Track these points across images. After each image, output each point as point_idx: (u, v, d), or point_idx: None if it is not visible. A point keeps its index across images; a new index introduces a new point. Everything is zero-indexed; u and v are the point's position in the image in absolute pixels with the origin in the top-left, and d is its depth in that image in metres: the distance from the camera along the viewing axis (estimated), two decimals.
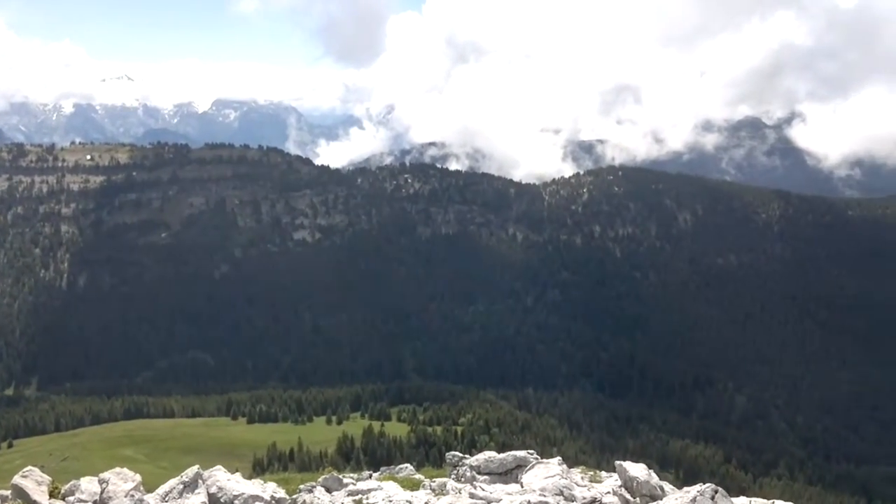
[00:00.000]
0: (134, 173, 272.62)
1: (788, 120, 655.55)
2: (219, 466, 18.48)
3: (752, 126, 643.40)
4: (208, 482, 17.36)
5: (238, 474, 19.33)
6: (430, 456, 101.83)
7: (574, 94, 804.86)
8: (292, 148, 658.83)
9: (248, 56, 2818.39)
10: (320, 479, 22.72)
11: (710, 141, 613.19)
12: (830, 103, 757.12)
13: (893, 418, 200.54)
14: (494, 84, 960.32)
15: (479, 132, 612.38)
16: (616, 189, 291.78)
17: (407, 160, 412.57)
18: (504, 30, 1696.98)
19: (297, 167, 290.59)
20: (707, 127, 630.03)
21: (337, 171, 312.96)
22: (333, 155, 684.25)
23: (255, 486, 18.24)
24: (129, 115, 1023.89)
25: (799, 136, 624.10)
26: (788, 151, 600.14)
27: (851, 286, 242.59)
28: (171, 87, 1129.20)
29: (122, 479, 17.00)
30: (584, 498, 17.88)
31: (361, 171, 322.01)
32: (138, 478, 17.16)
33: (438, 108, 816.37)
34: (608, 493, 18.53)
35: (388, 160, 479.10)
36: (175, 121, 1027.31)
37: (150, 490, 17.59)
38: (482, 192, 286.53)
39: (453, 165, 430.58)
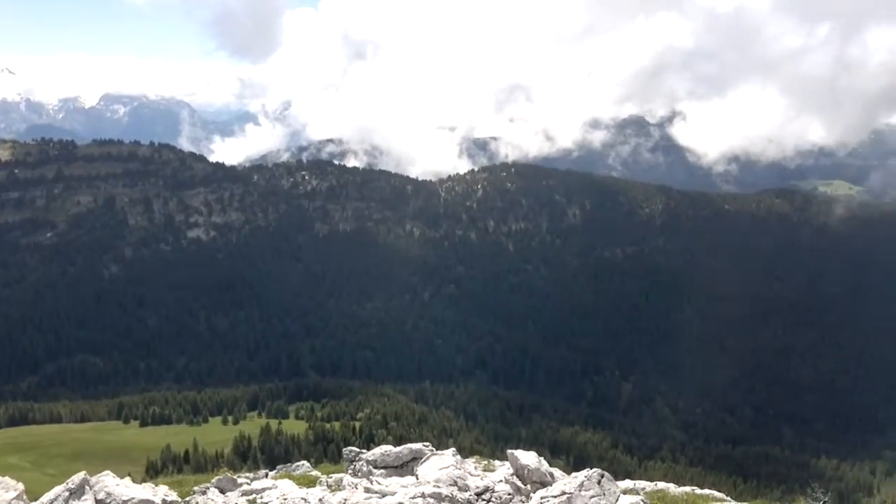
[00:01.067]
0: (16, 171, 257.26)
1: (670, 118, 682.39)
2: (107, 472, 17.81)
3: (637, 124, 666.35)
4: (96, 488, 16.74)
5: (128, 479, 18.74)
6: (328, 452, 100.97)
7: (469, 92, 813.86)
8: (185, 144, 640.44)
9: (139, 50, 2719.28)
10: (214, 480, 22.30)
11: (598, 138, 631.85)
12: (709, 102, 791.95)
13: (766, 401, 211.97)
14: (391, 81, 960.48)
15: (376, 129, 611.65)
16: (509, 185, 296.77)
17: (304, 157, 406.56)
18: (400, 27, 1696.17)
19: (190, 164, 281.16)
20: (595, 125, 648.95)
21: (232, 168, 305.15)
22: (228, 152, 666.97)
23: (146, 490, 17.72)
24: (10, 110, 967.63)
25: (680, 133, 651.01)
26: (671, 149, 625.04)
27: (728, 276, 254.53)
28: (57, 82, 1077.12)
29: (3, 489, 16.18)
30: (478, 487, 18.18)
31: (258, 168, 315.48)
32: (21, 486, 16.36)
33: (335, 105, 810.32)
34: (500, 481, 18.90)
35: (284, 157, 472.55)
36: (60, 116, 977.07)
37: (34, 498, 16.85)
38: (380, 188, 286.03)
39: (351, 162, 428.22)
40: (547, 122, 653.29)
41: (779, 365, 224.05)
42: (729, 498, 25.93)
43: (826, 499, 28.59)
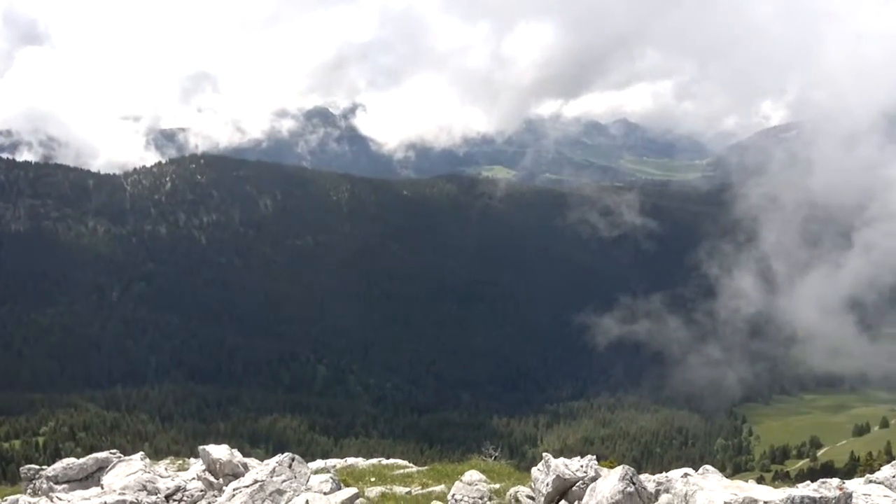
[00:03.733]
0: None
1: (353, 109, 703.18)
2: None
3: (322, 115, 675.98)
4: None
5: None
6: (7, 474, 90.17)
7: (153, 80, 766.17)
8: None
9: None
10: None
11: (286, 129, 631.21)
12: (388, 93, 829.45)
13: (446, 370, 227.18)
14: (67, 68, 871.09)
15: (52, 119, 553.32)
16: (199, 177, 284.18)
17: None
18: (75, 9, 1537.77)
19: None
20: (282, 115, 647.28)
21: None
22: None
23: None
24: None
25: (362, 124, 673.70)
26: (355, 138, 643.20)
27: (408, 258, 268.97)
28: None
29: None
30: (168, 488, 17.98)
31: None
32: None
33: (1, 93, 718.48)
34: (192, 479, 18.84)
35: None
36: None
37: None
38: (57, 184, 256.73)
39: (24, 155, 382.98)
40: (236, 112, 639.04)
41: (456, 336, 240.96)
42: (412, 464, 27.93)
43: (497, 453, 31.97)
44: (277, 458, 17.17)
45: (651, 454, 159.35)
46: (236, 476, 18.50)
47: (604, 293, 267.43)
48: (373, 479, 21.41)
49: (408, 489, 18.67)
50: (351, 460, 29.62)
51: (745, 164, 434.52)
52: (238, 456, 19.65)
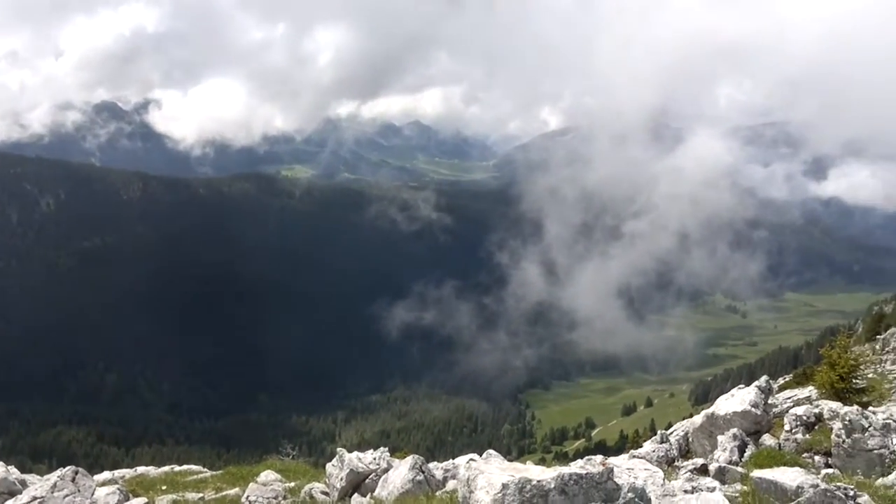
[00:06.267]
0: None
1: (146, 105, 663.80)
2: None
3: (112, 110, 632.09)
4: None
5: None
6: None
7: None
8: None
9: None
10: None
11: (72, 123, 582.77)
12: (184, 88, 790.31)
13: (242, 373, 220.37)
14: None
15: None
16: None
17: None
18: None
19: None
20: (66, 108, 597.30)
21: None
22: None
23: None
24: None
25: (157, 119, 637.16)
26: (149, 135, 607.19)
27: (205, 259, 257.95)
28: None
29: None
30: None
31: None
32: None
33: None
34: None
35: None
36: None
37: None
38: None
39: None
40: (14, 104, 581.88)
41: (253, 337, 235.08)
42: (207, 470, 26.76)
43: (295, 452, 31.42)
44: (59, 472, 15.84)
45: (443, 443, 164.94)
46: (13, 494, 16.92)
47: (403, 287, 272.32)
48: (164, 488, 20.24)
49: (201, 494, 17.88)
50: (142, 470, 27.84)
51: (529, 165, 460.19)
52: (15, 472, 17.93)
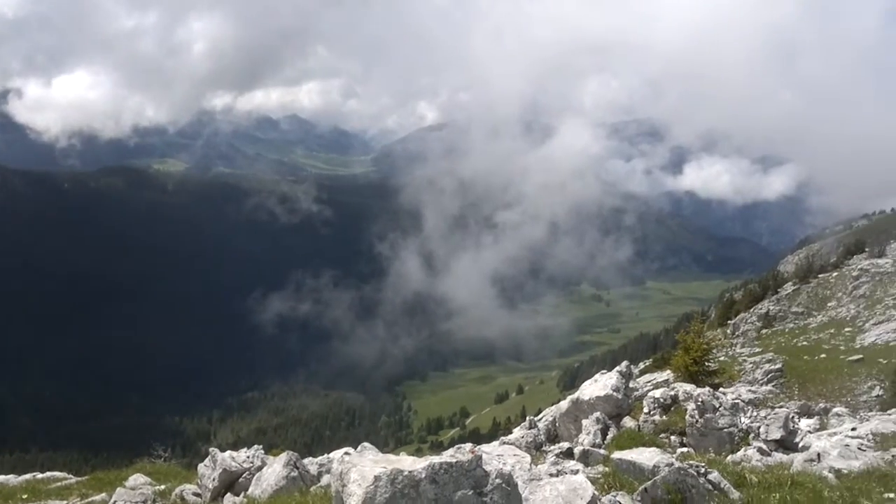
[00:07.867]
0: None
1: (5, 94, 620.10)
2: None
3: None
4: None
5: None
6: None
7: None
8: None
9: None
10: None
11: None
12: (47, 77, 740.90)
13: (111, 373, 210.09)
14: None
15: None
16: None
17: None
18: None
19: None
20: None
21: None
22: None
23: None
24: None
25: (18, 109, 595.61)
26: (8, 126, 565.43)
27: (70, 256, 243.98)
28: None
29: None
30: None
31: None
32: None
33: None
34: None
35: None
36: None
37: None
38: None
39: None
40: None
41: (123, 336, 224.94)
42: (72, 476, 25.43)
43: (167, 454, 30.27)
44: None
45: (321, 437, 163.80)
46: None
47: (280, 279, 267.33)
48: (24, 497, 19.12)
49: (65, 502, 17.02)
50: (1, 479, 26.10)
51: (407, 158, 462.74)
52: None
